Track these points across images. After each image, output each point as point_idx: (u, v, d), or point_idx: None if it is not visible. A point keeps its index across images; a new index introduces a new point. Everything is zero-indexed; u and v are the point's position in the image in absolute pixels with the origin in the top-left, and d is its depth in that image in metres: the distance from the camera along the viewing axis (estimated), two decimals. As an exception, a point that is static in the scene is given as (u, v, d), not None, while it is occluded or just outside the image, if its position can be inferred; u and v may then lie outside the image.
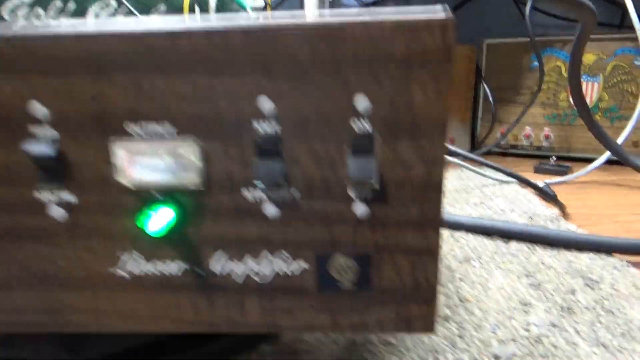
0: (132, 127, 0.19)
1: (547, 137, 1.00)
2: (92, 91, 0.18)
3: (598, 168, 0.80)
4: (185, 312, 0.21)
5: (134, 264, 0.21)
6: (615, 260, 0.48)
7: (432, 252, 0.20)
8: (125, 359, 0.30)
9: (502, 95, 1.04)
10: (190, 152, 0.18)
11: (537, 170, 0.89)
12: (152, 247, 0.20)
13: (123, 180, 0.19)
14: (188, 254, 0.20)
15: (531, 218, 0.60)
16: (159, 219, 0.18)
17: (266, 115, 0.18)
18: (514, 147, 1.05)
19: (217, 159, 0.19)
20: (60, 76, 0.18)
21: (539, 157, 1.01)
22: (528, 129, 1.02)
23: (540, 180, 0.73)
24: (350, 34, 0.18)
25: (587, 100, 0.74)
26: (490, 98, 1.02)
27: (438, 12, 0.18)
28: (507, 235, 0.52)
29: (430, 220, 0.20)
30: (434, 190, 0.19)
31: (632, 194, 0.76)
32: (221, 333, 0.31)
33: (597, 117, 0.96)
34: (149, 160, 0.19)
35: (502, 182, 0.79)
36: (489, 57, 1.03)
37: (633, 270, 0.45)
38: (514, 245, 0.51)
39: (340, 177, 0.19)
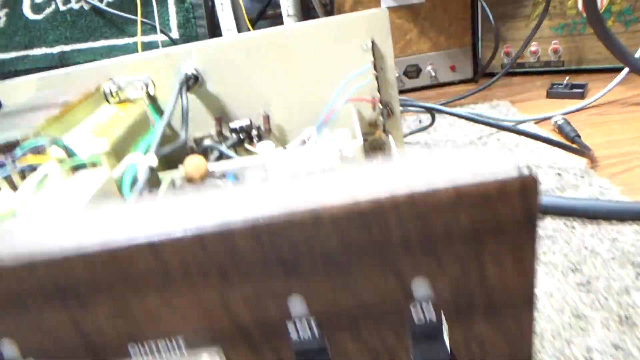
0: (136, 349, 0.15)
1: (555, 51, 0.93)
2: (71, 323, 0.14)
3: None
4: None
5: None
6: (661, 226, 0.44)
7: None
8: None
9: (502, 10, 0.95)
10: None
11: (550, 95, 0.83)
12: None
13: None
14: None
15: (559, 174, 0.55)
16: None
17: (299, 317, 0.14)
18: (521, 65, 0.98)
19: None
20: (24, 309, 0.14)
21: (548, 73, 0.94)
22: (534, 45, 0.94)
23: (555, 110, 0.69)
24: (395, 210, 0.13)
25: (598, 4, 0.66)
26: (490, 15, 0.94)
27: (509, 163, 0.13)
28: (546, 211, 0.48)
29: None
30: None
31: (657, 113, 0.71)
32: None
33: (610, 23, 0.88)
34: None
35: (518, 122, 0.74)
36: (485, -31, 0.94)
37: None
38: (550, 222, 0.47)
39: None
